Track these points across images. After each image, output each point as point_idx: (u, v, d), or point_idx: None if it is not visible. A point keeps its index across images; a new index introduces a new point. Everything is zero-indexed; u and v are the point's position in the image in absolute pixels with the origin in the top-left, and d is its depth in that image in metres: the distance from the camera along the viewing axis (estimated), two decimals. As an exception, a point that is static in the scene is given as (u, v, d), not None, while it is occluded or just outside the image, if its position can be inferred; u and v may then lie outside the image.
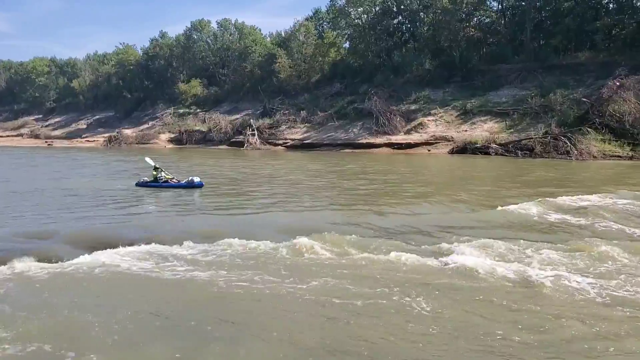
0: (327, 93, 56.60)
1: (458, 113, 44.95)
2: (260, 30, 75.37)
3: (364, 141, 45.98)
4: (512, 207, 14.74)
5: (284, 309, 7.43)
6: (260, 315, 7.19)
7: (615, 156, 32.43)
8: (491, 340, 6.51)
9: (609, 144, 33.48)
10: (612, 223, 13.01)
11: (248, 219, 14.22)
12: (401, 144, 43.81)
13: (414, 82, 50.86)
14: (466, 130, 42.08)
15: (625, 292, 8.00)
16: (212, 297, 7.83)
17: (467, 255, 9.58)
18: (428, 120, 45.56)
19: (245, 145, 51.14)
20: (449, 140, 41.66)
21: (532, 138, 36.10)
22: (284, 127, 53.66)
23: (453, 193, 18.21)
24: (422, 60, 52.53)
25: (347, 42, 63.04)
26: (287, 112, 55.16)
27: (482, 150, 37.36)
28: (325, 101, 54.89)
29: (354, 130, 48.50)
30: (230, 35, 73.29)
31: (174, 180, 20.28)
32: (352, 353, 6.20)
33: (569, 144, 33.36)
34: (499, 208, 14.74)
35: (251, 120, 54.92)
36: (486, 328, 6.83)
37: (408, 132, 45.35)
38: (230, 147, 52.30)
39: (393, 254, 9.72)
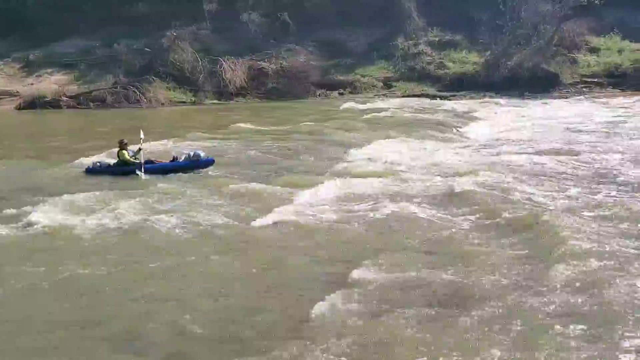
0: None
1: (20, 65, 41.55)
2: None
3: None
4: (86, 159, 14.84)
5: None
6: None
7: (181, 102, 35.51)
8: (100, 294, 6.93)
9: (174, 91, 36.36)
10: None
11: None
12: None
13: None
14: (32, 84, 39.38)
15: (210, 220, 9.38)
16: None
17: (51, 214, 9.55)
18: (-14, 73, 40.75)
19: None
20: (15, 95, 38.36)
21: (102, 89, 36.29)
22: None
23: (27, 152, 17.28)
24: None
25: None
26: None
27: (53, 104, 35.80)
28: None
29: None
30: None
31: (155, 160, 13.87)
32: None
33: (138, 93, 34.84)
34: (77, 161, 14.77)
35: None
36: (90, 283, 7.18)
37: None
38: None
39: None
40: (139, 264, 7.67)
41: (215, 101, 36.07)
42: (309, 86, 36.80)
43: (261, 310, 6.38)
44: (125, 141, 13.99)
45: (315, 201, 10.64)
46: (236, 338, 5.79)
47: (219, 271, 7.50)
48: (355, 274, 7.15)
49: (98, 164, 13.79)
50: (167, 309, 6.39)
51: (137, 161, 13.43)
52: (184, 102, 35.58)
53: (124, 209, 9.95)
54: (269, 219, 9.47)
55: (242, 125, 21.97)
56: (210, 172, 13.51)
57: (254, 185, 11.72)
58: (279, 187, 11.66)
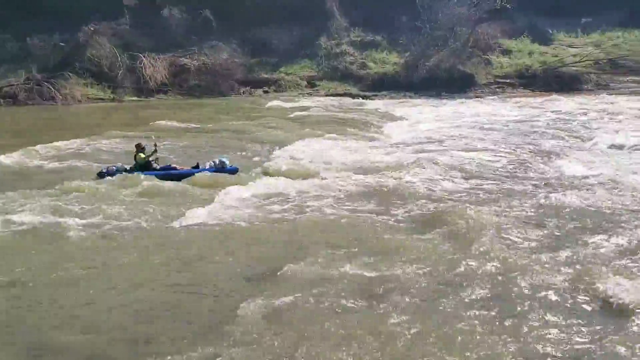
0: None
1: None
2: None
3: None
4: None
5: None
6: None
7: (99, 99, 34.27)
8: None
9: (92, 87, 35.04)
10: (88, 163, 14.21)
11: None
12: None
13: None
14: None
15: (130, 221, 9.21)
16: None
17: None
18: None
19: None
20: None
21: (14, 84, 34.50)
22: None
23: None
24: None
25: None
26: None
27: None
28: None
29: None
30: None
31: (177, 166, 13.34)
32: None
33: (53, 89, 33.35)
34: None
35: None
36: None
37: None
38: None
39: None
40: (50, 269, 7.40)
41: (135, 98, 35.09)
42: (233, 84, 36.48)
43: (182, 312, 6.36)
44: (143, 145, 13.24)
45: (239, 200, 10.62)
46: (157, 340, 5.74)
47: (138, 273, 7.37)
48: (279, 272, 7.22)
49: (114, 167, 12.88)
50: (83, 314, 6.25)
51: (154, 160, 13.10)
52: (102, 99, 34.38)
53: (33, 210, 9.61)
54: (190, 220, 9.38)
55: (163, 122, 21.53)
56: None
57: (175, 185, 11.56)
58: (201, 187, 11.56)
